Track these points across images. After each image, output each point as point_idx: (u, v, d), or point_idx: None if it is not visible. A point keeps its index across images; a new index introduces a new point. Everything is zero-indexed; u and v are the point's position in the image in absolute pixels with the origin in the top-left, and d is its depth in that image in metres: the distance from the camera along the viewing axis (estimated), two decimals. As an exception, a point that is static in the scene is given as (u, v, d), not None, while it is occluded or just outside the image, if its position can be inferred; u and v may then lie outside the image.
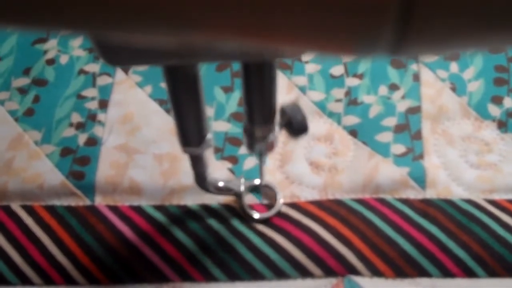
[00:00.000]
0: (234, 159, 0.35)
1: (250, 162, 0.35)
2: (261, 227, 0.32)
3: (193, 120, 0.24)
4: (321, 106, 0.36)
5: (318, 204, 0.33)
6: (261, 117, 0.24)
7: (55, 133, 0.35)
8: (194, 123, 0.24)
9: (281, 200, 0.33)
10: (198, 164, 0.28)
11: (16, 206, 0.34)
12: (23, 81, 0.38)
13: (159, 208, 0.33)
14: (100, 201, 0.34)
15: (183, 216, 0.33)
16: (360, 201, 0.33)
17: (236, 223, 0.33)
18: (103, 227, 0.33)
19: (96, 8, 0.10)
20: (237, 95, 0.37)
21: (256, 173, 0.34)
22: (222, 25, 0.10)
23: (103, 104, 0.36)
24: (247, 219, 0.33)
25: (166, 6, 0.09)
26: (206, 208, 0.33)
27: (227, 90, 0.37)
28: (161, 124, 0.36)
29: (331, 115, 0.36)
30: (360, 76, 0.37)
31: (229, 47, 0.11)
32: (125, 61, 0.18)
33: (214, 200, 0.33)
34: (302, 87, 0.37)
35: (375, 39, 0.09)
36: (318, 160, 0.35)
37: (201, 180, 0.30)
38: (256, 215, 0.33)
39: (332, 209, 0.33)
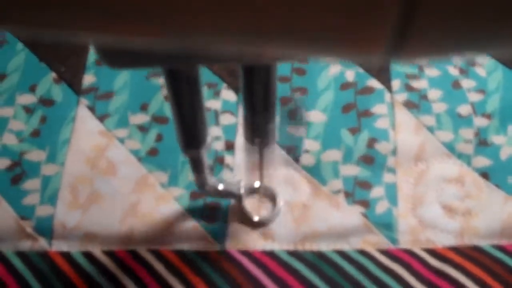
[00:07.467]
0: (365, 203, 0.34)
1: (383, 205, 0.34)
2: (401, 272, 0.32)
3: (193, 122, 0.24)
4: (449, 147, 0.35)
5: (457, 250, 0.33)
6: (262, 105, 0.24)
7: (182, 175, 0.34)
8: (195, 125, 0.24)
9: (281, 203, 0.33)
10: (198, 167, 0.28)
11: (143, 251, 0.33)
12: (142, 118, 0.36)
13: (293, 253, 0.33)
14: (230, 246, 0.33)
15: (318, 261, 0.32)
16: (500, 248, 0.33)
17: (373, 269, 0.32)
18: (237, 272, 0.32)
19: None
20: (365, 135, 0.36)
21: (388, 218, 0.33)
22: (220, 26, 0.09)
23: (230, 146, 0.35)
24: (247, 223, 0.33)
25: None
26: (341, 253, 0.33)
27: (354, 131, 0.36)
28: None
29: (460, 156, 0.35)
30: (489, 116, 0.36)
31: (229, 50, 0.11)
32: (126, 64, 0.18)
33: (348, 245, 0.33)
34: (430, 127, 0.36)
35: (375, 40, 0.09)
36: (451, 204, 0.34)
37: (202, 183, 0.30)
38: (256, 218, 0.33)
39: (473, 256, 0.32)
